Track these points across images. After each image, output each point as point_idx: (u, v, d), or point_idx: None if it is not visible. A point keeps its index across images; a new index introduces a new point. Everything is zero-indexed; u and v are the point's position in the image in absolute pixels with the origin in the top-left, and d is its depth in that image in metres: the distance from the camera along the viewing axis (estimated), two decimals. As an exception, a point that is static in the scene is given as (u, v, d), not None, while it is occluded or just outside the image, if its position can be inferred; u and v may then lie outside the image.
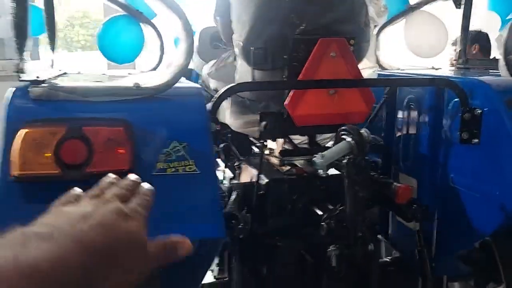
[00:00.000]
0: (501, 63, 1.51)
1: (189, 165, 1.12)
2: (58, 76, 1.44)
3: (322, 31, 1.60)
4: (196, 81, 2.28)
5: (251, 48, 1.64)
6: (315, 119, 1.57)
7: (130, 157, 1.08)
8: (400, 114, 2.05)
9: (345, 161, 1.18)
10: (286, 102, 1.54)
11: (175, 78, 1.21)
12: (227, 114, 1.86)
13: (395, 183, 1.69)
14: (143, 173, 1.12)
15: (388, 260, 1.94)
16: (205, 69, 2.17)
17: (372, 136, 2.15)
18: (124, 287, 0.47)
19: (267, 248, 1.61)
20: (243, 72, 1.74)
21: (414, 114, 1.93)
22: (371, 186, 1.64)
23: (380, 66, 2.38)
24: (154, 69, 2.11)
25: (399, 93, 2.03)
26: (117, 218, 0.48)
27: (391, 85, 1.63)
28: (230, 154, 2.08)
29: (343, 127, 1.19)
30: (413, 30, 2.35)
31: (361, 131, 1.14)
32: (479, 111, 1.54)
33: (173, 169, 1.11)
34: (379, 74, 2.31)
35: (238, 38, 1.70)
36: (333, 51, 1.53)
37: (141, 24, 2.03)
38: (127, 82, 1.21)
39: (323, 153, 1.18)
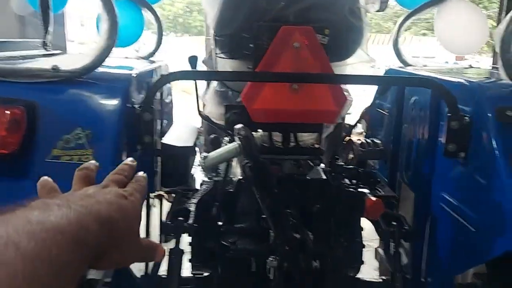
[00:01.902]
0: (499, 63, 1.23)
1: (86, 155, 1.07)
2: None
3: (293, 18, 1.44)
4: None
5: (221, 35, 1.54)
6: (274, 115, 1.42)
7: (20, 140, 1.05)
8: (405, 118, 1.81)
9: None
10: (242, 95, 1.41)
11: (96, 62, 1.16)
12: (207, 104, 1.77)
13: (368, 196, 1.49)
14: (33, 159, 1.11)
15: (372, 280, 1.73)
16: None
17: (372, 140, 1.97)
18: (120, 265, 0.54)
19: (218, 248, 1.51)
20: (220, 61, 1.64)
21: (417, 119, 1.69)
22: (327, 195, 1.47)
23: (403, 62, 2.11)
24: (152, 54, 2.08)
25: (407, 95, 1.78)
26: (116, 198, 0.53)
27: (366, 84, 1.42)
28: (219, 146, 1.99)
29: (239, 126, 1.04)
30: (445, 22, 2.03)
31: (254, 133, 0.98)
32: (467, 120, 1.28)
33: (68, 157, 1.06)
34: (391, 71, 2.06)
35: (210, 25, 1.60)
36: (297, 41, 1.37)
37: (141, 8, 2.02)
38: (47, 64, 1.18)
39: (208, 154, 1.05)
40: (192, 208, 1.55)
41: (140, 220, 0.57)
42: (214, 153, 1.03)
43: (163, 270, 1.64)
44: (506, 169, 1.13)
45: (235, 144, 0.98)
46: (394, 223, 1.51)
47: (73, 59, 1.57)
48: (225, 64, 1.62)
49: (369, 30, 1.63)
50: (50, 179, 0.59)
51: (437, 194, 1.50)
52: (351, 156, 1.94)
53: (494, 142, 1.18)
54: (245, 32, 1.49)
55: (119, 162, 0.66)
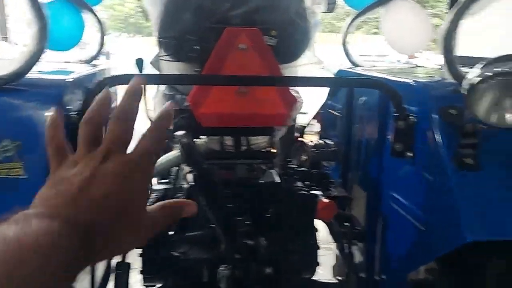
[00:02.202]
0: (443, 62, 1.24)
1: (15, 168, 0.98)
2: None
3: (239, 21, 1.40)
4: None
5: (165, 37, 1.47)
6: (222, 119, 1.38)
7: None
8: (355, 119, 1.82)
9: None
10: (188, 98, 1.36)
11: (25, 67, 1.07)
12: (156, 108, 1.70)
13: (321, 197, 1.48)
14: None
15: (328, 281, 1.72)
16: None
17: (325, 141, 1.97)
18: (135, 244, 0.48)
19: (169, 259, 1.45)
20: (165, 64, 1.58)
21: (366, 119, 1.70)
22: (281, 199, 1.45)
23: (352, 62, 2.13)
24: (94, 58, 1.98)
25: (356, 95, 1.79)
26: (116, 181, 0.45)
27: (315, 85, 1.40)
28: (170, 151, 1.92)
29: (182, 133, 0.99)
30: (391, 22, 2.07)
31: (196, 140, 0.93)
32: (413, 119, 1.29)
33: (-6, 172, 0.97)
34: (341, 72, 2.07)
35: (154, 27, 1.54)
36: (242, 43, 1.33)
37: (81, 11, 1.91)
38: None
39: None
40: None
41: (147, 194, 0.49)
42: (161, 160, 0.97)
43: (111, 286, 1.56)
44: (451, 167, 1.14)
45: (177, 151, 0.93)
46: (347, 224, 1.51)
47: (2, 64, 1.46)
48: (171, 67, 1.56)
49: (316, 31, 1.62)
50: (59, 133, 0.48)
51: (387, 193, 1.51)
52: (304, 157, 1.93)
53: (439, 141, 1.19)
54: (190, 34, 1.43)
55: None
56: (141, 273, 1.66)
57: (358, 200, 1.78)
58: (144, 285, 1.63)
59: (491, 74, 0.97)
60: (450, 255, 1.16)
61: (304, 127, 2.23)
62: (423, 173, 1.26)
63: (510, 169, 1.13)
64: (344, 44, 2.10)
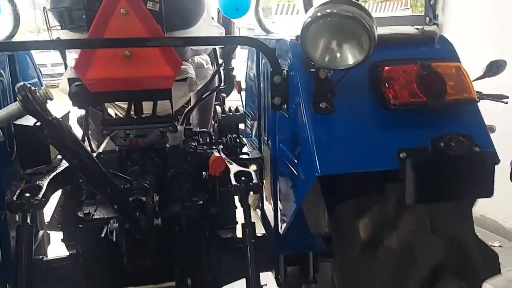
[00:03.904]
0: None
1: None
2: None
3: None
4: None
5: (56, 8, 1.53)
6: (109, 84, 1.44)
7: None
8: (262, 82, 1.89)
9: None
10: (74, 64, 1.42)
11: None
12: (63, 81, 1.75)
13: (214, 154, 1.56)
14: None
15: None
16: None
17: (237, 107, 2.05)
18: None
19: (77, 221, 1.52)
20: (56, 34, 1.63)
21: (266, 81, 1.78)
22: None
23: (265, 30, 2.20)
24: (9, 37, 2.01)
25: (261, 61, 1.86)
26: None
27: (197, 44, 1.47)
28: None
29: (20, 85, 1.03)
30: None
31: (36, 89, 0.99)
32: (285, 74, 1.37)
33: None
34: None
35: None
36: (123, 8, 1.39)
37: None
38: None
39: None
40: (44, 184, 1.53)
41: None
42: None
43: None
44: (309, 112, 1.23)
45: (16, 103, 0.98)
46: (244, 178, 1.58)
47: None
48: (62, 37, 1.62)
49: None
50: None
51: (279, 147, 1.60)
52: (215, 124, 2.02)
53: (301, 90, 1.28)
54: (78, 4, 1.49)
55: None
56: (62, 241, 1.74)
57: (267, 159, 1.87)
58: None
59: (321, 15, 1.05)
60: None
61: (224, 97, 2.32)
62: (292, 123, 1.35)
63: (359, 108, 1.23)
64: (256, 13, 2.16)
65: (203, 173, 1.59)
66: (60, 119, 1.01)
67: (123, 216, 1.34)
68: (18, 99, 0.97)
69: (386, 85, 1.23)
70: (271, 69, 1.40)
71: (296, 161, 1.33)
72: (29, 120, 1.70)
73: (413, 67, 1.24)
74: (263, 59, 1.80)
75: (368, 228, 1.36)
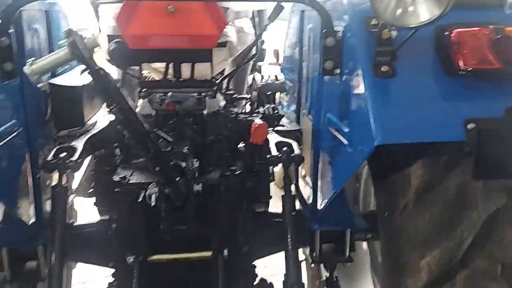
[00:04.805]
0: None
1: None
2: None
3: None
4: None
5: None
6: (150, 41, 1.37)
7: None
8: (305, 49, 1.79)
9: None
10: (115, 17, 1.34)
11: None
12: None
13: (256, 121, 1.48)
14: None
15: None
16: None
17: (276, 75, 1.96)
18: None
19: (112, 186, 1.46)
20: None
21: (312, 47, 1.67)
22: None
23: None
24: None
25: (305, 25, 1.76)
26: None
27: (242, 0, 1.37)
28: None
29: (67, 29, 0.96)
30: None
31: (85, 36, 0.92)
32: (340, 35, 1.27)
33: None
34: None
35: None
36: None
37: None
38: None
39: (35, 60, 0.99)
40: (79, 146, 1.48)
41: None
42: (42, 59, 0.96)
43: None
44: (368, 75, 1.13)
45: (65, 48, 0.92)
46: (285, 149, 1.50)
47: None
48: None
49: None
50: None
51: (325, 117, 1.50)
52: (254, 92, 1.93)
53: (360, 52, 1.18)
54: None
55: None
56: (94, 205, 1.70)
57: (307, 132, 1.78)
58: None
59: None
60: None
61: (260, 65, 2.22)
62: (346, 88, 1.26)
63: (423, 73, 1.13)
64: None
65: (242, 142, 1.51)
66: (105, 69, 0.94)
67: (164, 179, 1.28)
68: (67, 43, 0.90)
69: (455, 49, 1.12)
70: (323, 31, 1.30)
71: (348, 130, 1.24)
72: (64, 80, 1.66)
73: (484, 31, 1.12)
74: (309, 23, 1.69)
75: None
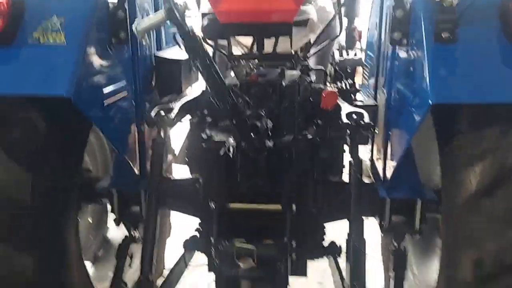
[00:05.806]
0: None
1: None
2: None
3: None
4: None
5: None
6: (237, 16, 1.56)
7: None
8: (384, 27, 1.86)
9: None
10: (209, -1, 1.56)
11: None
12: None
13: (326, 89, 1.60)
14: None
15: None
16: None
17: (355, 52, 2.04)
18: None
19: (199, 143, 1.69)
20: None
21: (389, 24, 1.74)
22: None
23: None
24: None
25: (385, 4, 1.83)
26: None
27: None
28: None
29: None
30: None
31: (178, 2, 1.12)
32: (409, 7, 1.35)
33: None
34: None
35: None
36: None
37: None
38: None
39: (142, 19, 1.21)
40: (176, 107, 1.74)
41: None
42: (144, 19, 1.19)
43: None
44: (429, 41, 1.20)
45: (161, 11, 1.13)
46: (355, 117, 1.60)
47: None
48: None
49: None
50: None
51: (394, 89, 1.58)
52: (330, 66, 2.04)
53: (423, 19, 1.25)
54: None
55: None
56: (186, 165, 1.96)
57: (381, 106, 1.85)
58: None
59: None
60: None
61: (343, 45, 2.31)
62: (410, 55, 1.34)
63: (484, 40, 1.17)
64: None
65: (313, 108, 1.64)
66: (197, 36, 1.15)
67: (240, 134, 1.46)
68: (164, 8, 1.12)
69: (519, 16, 1.15)
70: (393, 4, 1.39)
71: (409, 92, 1.32)
72: (168, 54, 1.94)
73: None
74: (387, 1, 1.77)
75: (484, 173, 1.28)
